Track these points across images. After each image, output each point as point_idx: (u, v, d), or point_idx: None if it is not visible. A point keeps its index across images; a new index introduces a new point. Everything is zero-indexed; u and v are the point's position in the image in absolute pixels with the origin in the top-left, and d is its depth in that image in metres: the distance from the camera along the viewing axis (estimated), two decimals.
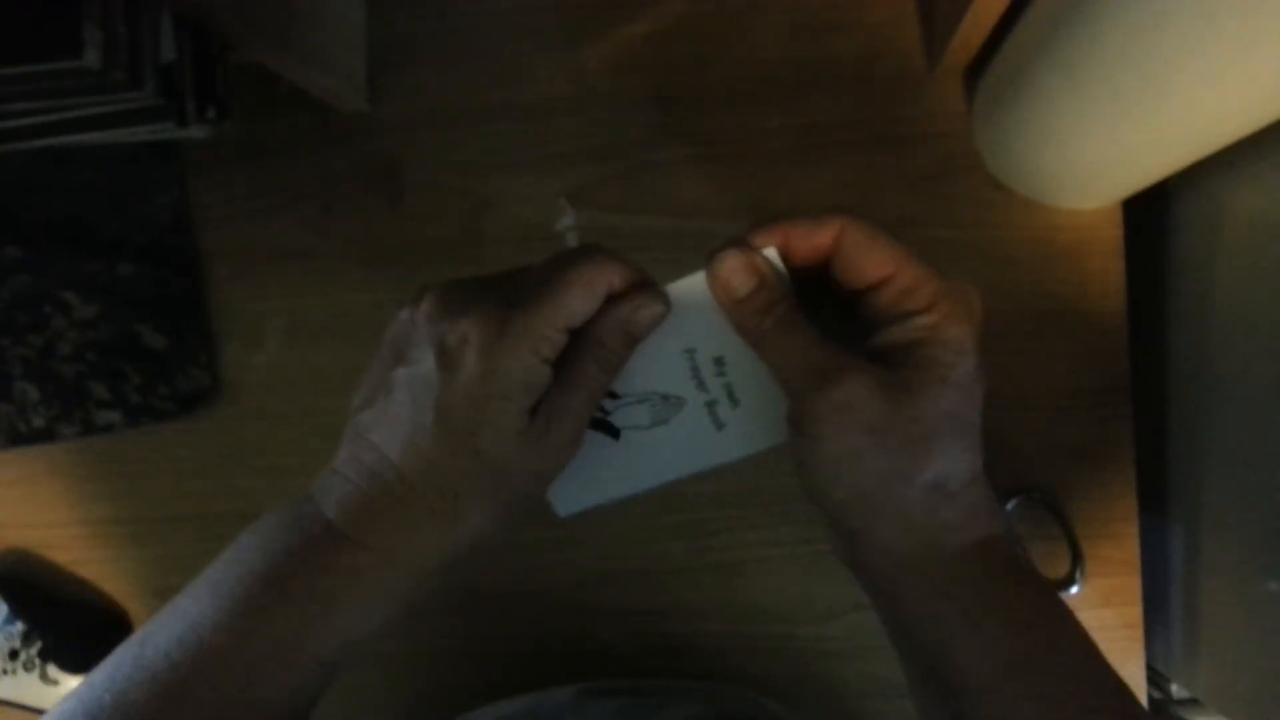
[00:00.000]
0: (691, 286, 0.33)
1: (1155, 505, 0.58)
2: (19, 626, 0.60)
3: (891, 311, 0.31)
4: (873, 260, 0.31)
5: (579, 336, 0.32)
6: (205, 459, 0.60)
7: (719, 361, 0.34)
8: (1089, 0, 0.41)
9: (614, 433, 0.35)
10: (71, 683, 0.59)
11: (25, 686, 0.59)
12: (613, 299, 0.33)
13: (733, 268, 0.32)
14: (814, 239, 0.32)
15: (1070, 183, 0.53)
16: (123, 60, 0.45)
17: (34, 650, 0.59)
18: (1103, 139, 0.47)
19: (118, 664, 0.31)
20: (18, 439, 0.60)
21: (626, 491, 0.36)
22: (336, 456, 0.34)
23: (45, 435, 0.60)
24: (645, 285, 0.33)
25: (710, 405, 0.34)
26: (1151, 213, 0.57)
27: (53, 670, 0.59)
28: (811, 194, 0.57)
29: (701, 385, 0.34)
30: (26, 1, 0.42)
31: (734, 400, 0.34)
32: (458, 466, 0.31)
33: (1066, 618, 0.32)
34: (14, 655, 0.60)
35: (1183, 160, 0.48)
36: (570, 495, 0.36)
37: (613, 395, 0.35)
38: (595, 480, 0.35)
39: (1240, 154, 0.45)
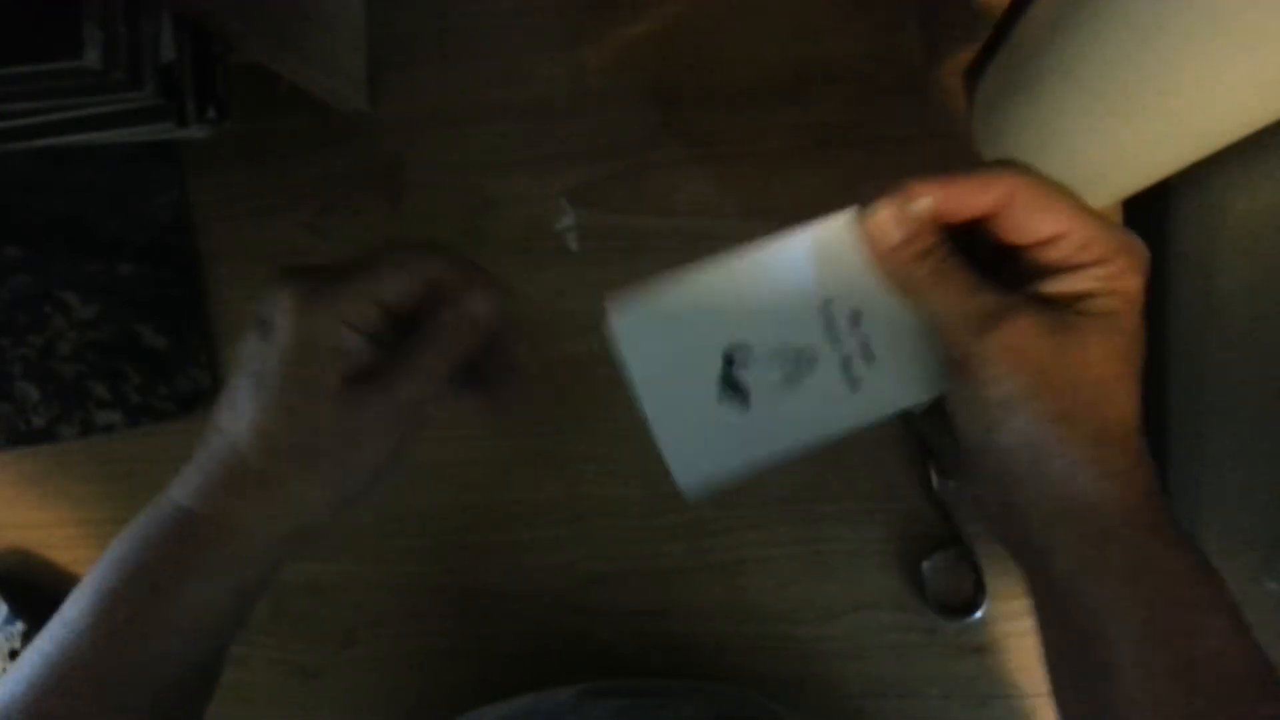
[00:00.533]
0: (829, 234, 0.32)
1: None
2: (19, 626, 0.60)
3: (1064, 265, 0.30)
4: (1047, 220, 0.30)
5: (419, 327, 0.34)
6: None
7: (856, 316, 0.32)
8: (1089, 1, 0.41)
9: (743, 395, 0.33)
10: None
11: None
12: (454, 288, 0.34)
13: (885, 218, 0.31)
14: (978, 201, 0.30)
15: (1070, 183, 0.53)
16: (123, 60, 0.45)
17: None
18: (1103, 139, 0.47)
19: (9, 671, 0.34)
20: (18, 439, 0.60)
21: (755, 463, 0.33)
22: None
23: (45, 435, 0.60)
24: (483, 280, 0.35)
25: (845, 363, 0.33)
26: (1151, 213, 0.57)
27: None
28: (811, 194, 0.57)
29: (836, 340, 0.32)
30: (27, 1, 0.42)
31: (869, 357, 0.32)
32: (277, 431, 0.33)
33: (1222, 589, 0.30)
34: (14, 655, 0.59)
35: (1183, 160, 0.47)
36: (698, 469, 0.33)
37: (741, 348, 0.33)
38: (723, 452, 0.33)
39: (1241, 154, 0.45)
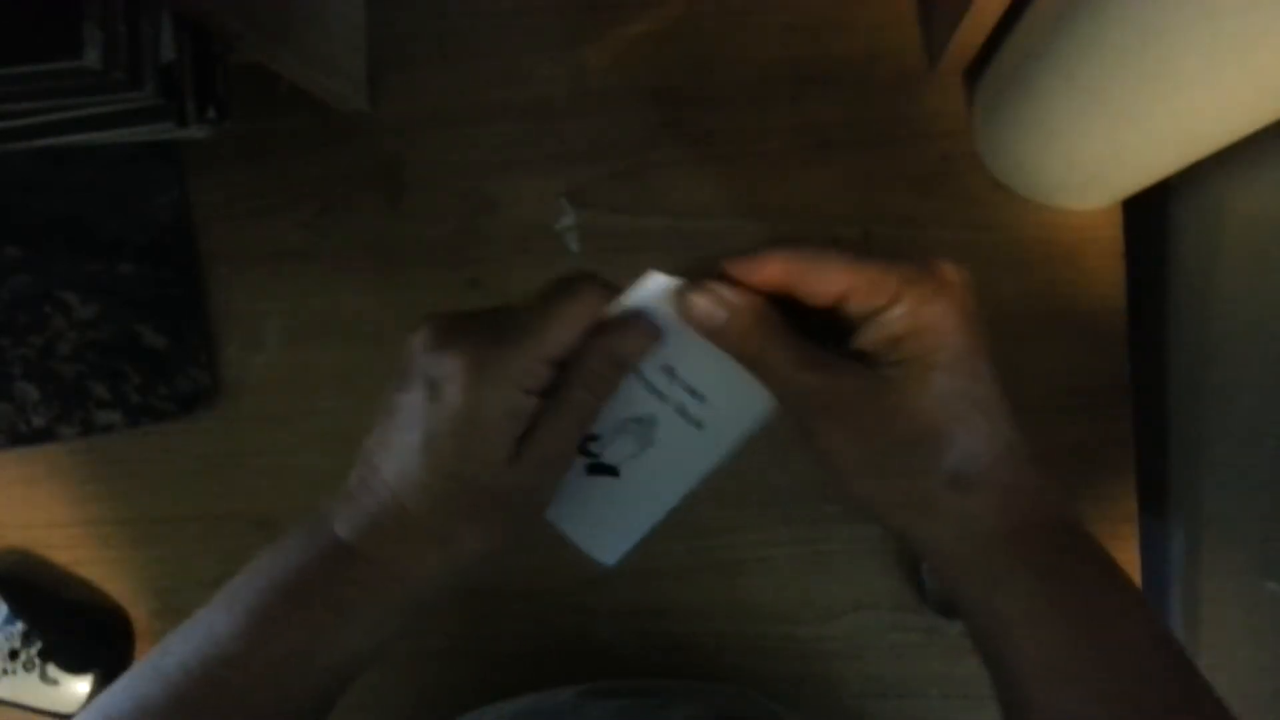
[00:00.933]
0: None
1: (1155, 506, 0.58)
2: (19, 626, 0.60)
3: (864, 314, 0.31)
4: (824, 282, 0.31)
5: (568, 365, 0.33)
6: (205, 459, 0.61)
7: (668, 370, 0.35)
8: (1089, 1, 0.41)
9: (613, 471, 0.36)
10: (71, 683, 0.59)
11: (25, 686, 0.60)
12: (601, 327, 0.33)
13: (706, 304, 0.32)
14: (758, 276, 0.32)
15: (1070, 183, 0.54)
16: (123, 60, 0.45)
17: (34, 650, 0.59)
18: (1103, 139, 0.47)
19: (138, 674, 0.33)
20: (18, 439, 0.60)
21: (652, 520, 0.36)
22: (349, 476, 0.35)
23: (45, 435, 0.60)
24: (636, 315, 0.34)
25: (680, 410, 0.35)
26: (1151, 213, 0.57)
27: (52, 670, 0.59)
28: (811, 194, 0.57)
29: (662, 396, 0.35)
30: (27, 1, 0.42)
31: (699, 397, 0.35)
32: (448, 492, 0.32)
33: (1134, 603, 0.31)
34: (14, 655, 0.60)
35: (1183, 160, 0.48)
36: (608, 544, 0.37)
37: (592, 439, 0.36)
38: (621, 522, 0.36)
39: (1240, 154, 0.45)
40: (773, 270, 0.31)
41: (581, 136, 0.58)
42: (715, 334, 0.32)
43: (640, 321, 0.34)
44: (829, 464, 0.32)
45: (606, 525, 0.37)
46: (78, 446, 0.61)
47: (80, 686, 0.59)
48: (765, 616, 0.58)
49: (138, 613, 0.62)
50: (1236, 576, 0.51)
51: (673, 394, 0.35)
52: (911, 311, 0.30)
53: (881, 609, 0.57)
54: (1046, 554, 0.31)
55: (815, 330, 0.32)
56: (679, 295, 0.33)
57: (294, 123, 0.60)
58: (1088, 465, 0.56)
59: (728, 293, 0.32)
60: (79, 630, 0.60)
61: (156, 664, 0.32)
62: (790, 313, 0.32)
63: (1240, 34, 0.36)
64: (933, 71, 0.56)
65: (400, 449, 0.32)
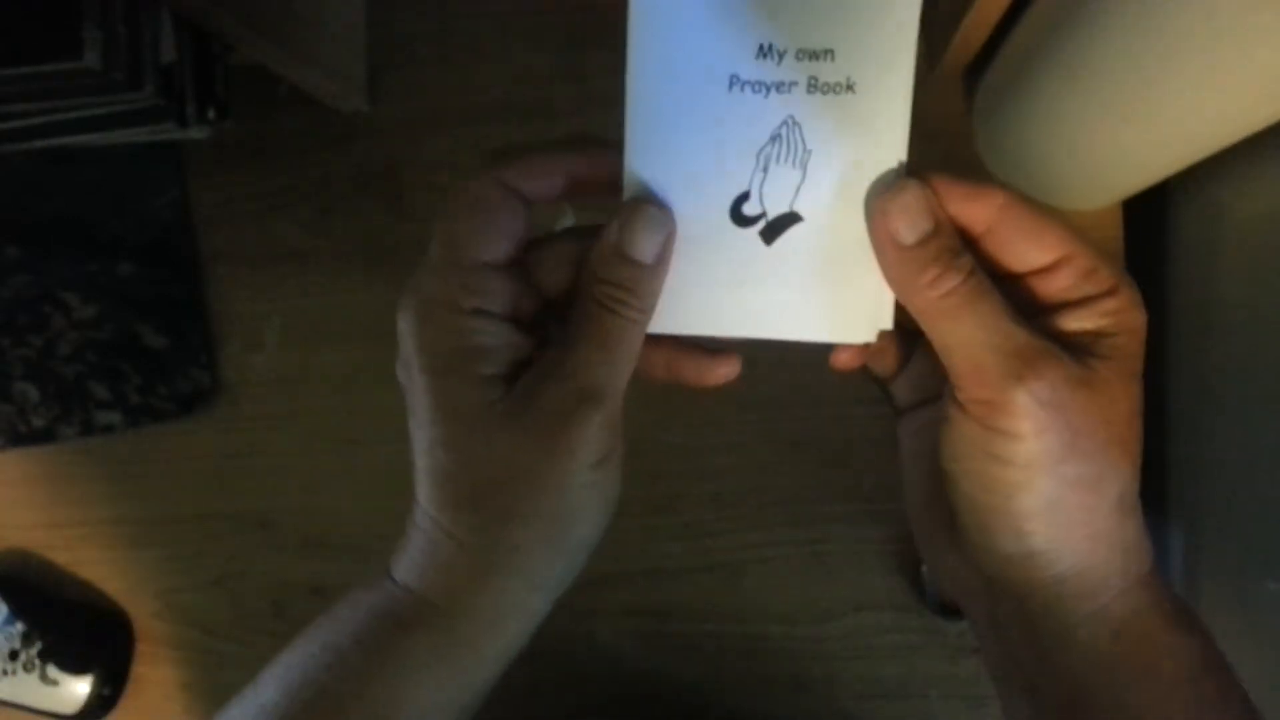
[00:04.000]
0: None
1: (1155, 505, 0.58)
2: (19, 627, 0.60)
3: (1068, 298, 0.27)
4: (1044, 242, 0.26)
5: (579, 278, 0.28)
6: (205, 459, 0.61)
7: (766, 49, 0.26)
8: (1088, 4, 0.41)
9: (796, 218, 0.27)
10: (71, 683, 0.59)
11: (25, 687, 0.59)
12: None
13: (913, 201, 0.26)
14: (971, 208, 0.27)
15: (1071, 183, 0.54)
16: (123, 61, 0.45)
17: (34, 651, 0.59)
18: (1103, 140, 0.48)
19: None
20: (18, 439, 0.61)
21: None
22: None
23: (45, 436, 0.60)
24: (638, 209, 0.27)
25: (814, 85, 0.26)
26: (1152, 213, 0.57)
27: (52, 671, 0.59)
28: None
29: (782, 86, 0.27)
30: (27, 2, 0.43)
31: (825, 55, 0.26)
32: (455, 472, 0.28)
33: (1228, 667, 0.28)
34: (14, 656, 0.60)
35: (1183, 161, 0.48)
36: (868, 311, 0.28)
37: (743, 199, 0.27)
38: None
39: (1240, 154, 0.45)
40: (992, 205, 0.26)
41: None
42: (915, 246, 0.26)
43: (643, 209, 0.27)
44: (994, 447, 0.26)
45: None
46: (78, 447, 0.61)
47: (80, 687, 0.59)
48: (765, 617, 0.58)
49: (138, 613, 0.62)
50: (1237, 576, 0.51)
51: (791, 73, 0.26)
52: (1125, 309, 0.26)
53: (882, 610, 0.57)
54: (1165, 606, 0.28)
55: None
56: (887, 195, 0.26)
57: (294, 123, 0.60)
58: None
59: (936, 202, 0.26)
60: (79, 631, 0.60)
61: None
62: None
63: (1241, 34, 0.36)
64: (933, 72, 0.56)
65: (420, 467, 0.29)
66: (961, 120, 0.57)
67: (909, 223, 0.26)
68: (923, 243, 0.26)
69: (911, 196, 0.26)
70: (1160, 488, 0.58)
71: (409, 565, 0.29)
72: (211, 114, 0.51)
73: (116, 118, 0.49)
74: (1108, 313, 0.26)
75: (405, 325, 0.28)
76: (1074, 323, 0.27)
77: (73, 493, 0.62)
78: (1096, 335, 0.26)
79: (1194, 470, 0.55)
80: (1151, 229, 0.57)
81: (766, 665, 0.58)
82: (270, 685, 0.29)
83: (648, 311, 0.28)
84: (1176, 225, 0.56)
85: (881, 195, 0.27)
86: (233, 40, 0.50)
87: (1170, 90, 0.41)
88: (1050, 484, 0.26)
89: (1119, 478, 0.27)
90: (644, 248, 0.27)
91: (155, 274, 0.60)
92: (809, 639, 0.58)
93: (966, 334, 0.26)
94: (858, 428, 0.57)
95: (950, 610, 0.55)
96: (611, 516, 0.30)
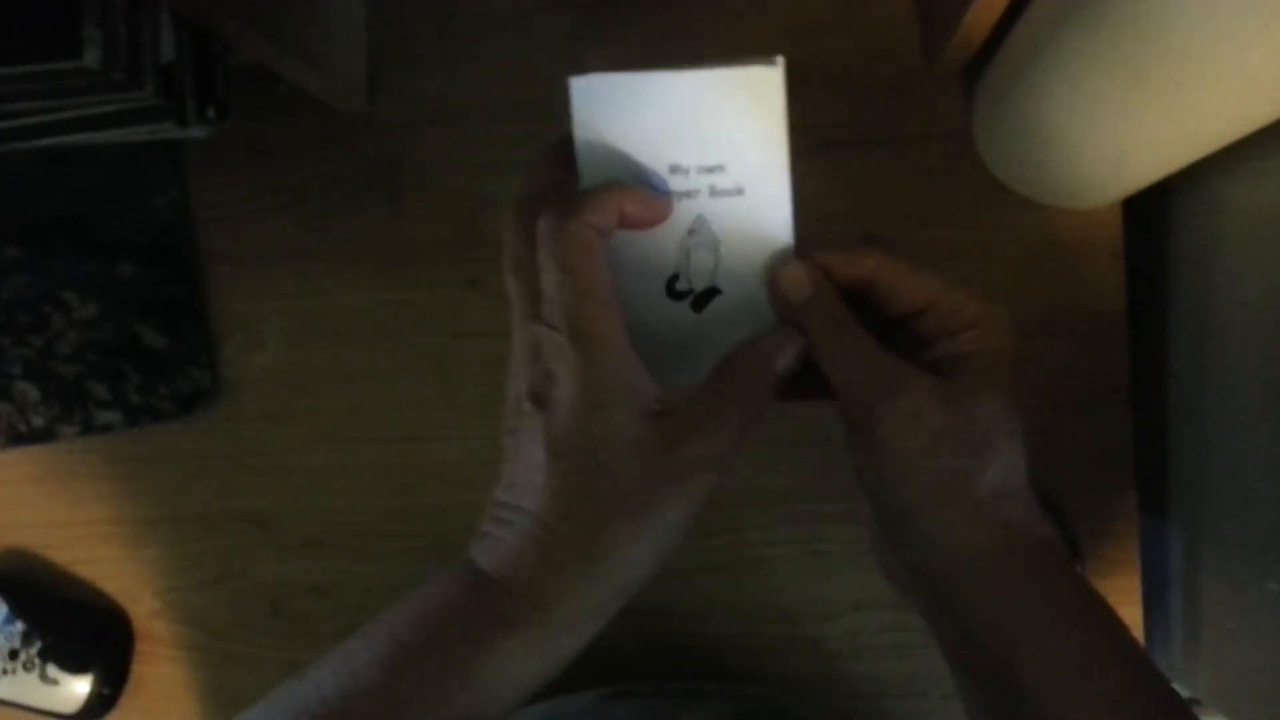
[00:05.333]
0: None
1: (1155, 505, 0.58)
2: (19, 626, 0.60)
3: (938, 331, 0.33)
4: (913, 291, 0.33)
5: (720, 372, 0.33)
6: (205, 459, 0.61)
7: (674, 167, 0.33)
8: (1088, 3, 0.41)
9: (716, 291, 0.35)
10: (71, 682, 0.59)
11: (25, 686, 0.60)
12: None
13: (791, 276, 0.33)
14: (851, 270, 0.33)
15: (1070, 183, 0.54)
16: (123, 60, 0.45)
17: (34, 650, 0.60)
18: (1102, 139, 0.48)
19: (278, 696, 0.32)
20: (18, 439, 0.61)
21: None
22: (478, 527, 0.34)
23: (45, 435, 0.61)
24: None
25: (713, 191, 0.34)
26: (1151, 212, 0.57)
27: (52, 670, 0.59)
28: (811, 194, 0.57)
29: (690, 194, 0.34)
30: (27, 2, 0.43)
31: (717, 169, 0.34)
32: (588, 492, 0.31)
33: (1118, 622, 0.33)
34: (14, 655, 0.60)
35: (1182, 160, 0.48)
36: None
37: (674, 281, 0.34)
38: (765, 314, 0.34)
39: (1240, 153, 0.45)
40: (868, 267, 0.33)
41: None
42: (800, 306, 0.33)
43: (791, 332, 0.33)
44: (877, 454, 0.32)
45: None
46: (77, 446, 0.61)
47: (80, 686, 0.59)
48: (765, 617, 0.58)
49: (137, 612, 0.62)
50: (1237, 576, 0.51)
51: (696, 183, 0.34)
52: (985, 336, 0.33)
53: (881, 608, 0.57)
54: (1053, 570, 0.33)
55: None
56: (777, 271, 0.33)
57: (294, 123, 0.60)
58: (1087, 465, 0.56)
59: (815, 272, 0.33)
60: (79, 630, 0.61)
61: (293, 690, 0.31)
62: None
63: (1240, 34, 0.36)
64: (932, 72, 0.56)
65: (528, 465, 0.31)
66: (961, 120, 0.57)
67: (793, 290, 0.33)
68: (805, 303, 0.33)
69: (792, 271, 0.33)
70: (1160, 488, 0.58)
71: (498, 556, 0.32)
72: (211, 113, 0.51)
73: (116, 117, 0.49)
74: (968, 341, 0.33)
75: (563, 367, 0.31)
76: (941, 351, 0.33)
77: (73, 492, 0.62)
78: (959, 358, 0.33)
79: (1194, 470, 0.55)
80: (1152, 228, 0.57)
81: (767, 664, 0.58)
82: (360, 640, 0.32)
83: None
84: (1176, 224, 0.56)
85: (773, 270, 0.34)
86: (232, 40, 0.50)
87: (1170, 91, 0.41)
88: (925, 477, 0.32)
89: (988, 468, 0.32)
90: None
91: (155, 274, 0.60)
92: (809, 638, 0.58)
93: (845, 367, 0.33)
94: None
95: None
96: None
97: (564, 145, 0.33)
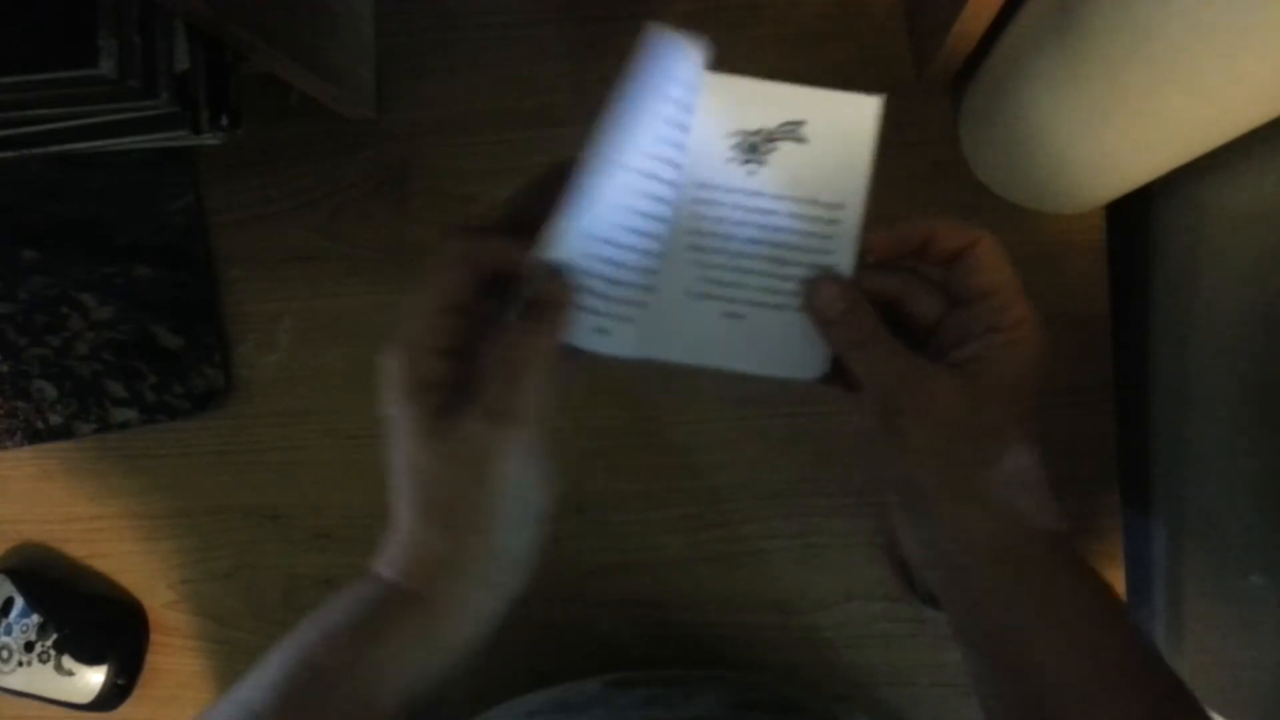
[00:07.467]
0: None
1: (1138, 501, 0.59)
2: (35, 619, 0.60)
3: (981, 325, 0.35)
4: (991, 271, 0.35)
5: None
6: (218, 455, 0.61)
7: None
8: (1073, 13, 0.42)
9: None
10: (86, 674, 0.60)
11: (41, 677, 0.60)
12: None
13: (831, 295, 0.36)
14: (958, 239, 0.35)
15: (1055, 187, 0.54)
16: (138, 69, 0.46)
17: (49, 642, 0.60)
18: (1087, 145, 0.48)
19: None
20: (36, 436, 0.61)
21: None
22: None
23: (63, 432, 0.61)
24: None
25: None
26: (1134, 216, 0.57)
27: (68, 661, 0.60)
28: None
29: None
30: (44, 11, 0.43)
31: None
32: (426, 498, 0.34)
33: (1126, 612, 0.35)
34: (30, 647, 0.60)
35: (1165, 166, 0.48)
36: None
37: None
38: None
39: (1222, 158, 0.45)
40: (972, 238, 0.35)
41: (583, 144, 0.59)
42: (835, 320, 0.36)
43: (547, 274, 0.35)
44: (900, 443, 0.34)
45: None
46: (94, 443, 0.62)
47: (95, 677, 0.60)
48: (759, 607, 0.59)
49: (152, 604, 0.63)
50: (1220, 570, 0.52)
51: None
52: (1017, 343, 0.35)
53: (872, 599, 0.58)
54: (1066, 560, 0.35)
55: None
56: (811, 290, 0.36)
57: (304, 130, 0.61)
58: (1072, 462, 0.57)
59: (851, 290, 0.36)
60: (94, 622, 0.61)
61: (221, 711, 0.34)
62: None
63: (1221, 42, 0.36)
64: (920, 81, 0.57)
65: (393, 486, 0.35)
66: (948, 128, 0.58)
67: (828, 305, 0.36)
68: (841, 315, 0.35)
69: (830, 289, 0.36)
70: (1144, 484, 0.58)
71: (390, 561, 0.35)
72: (224, 121, 0.52)
73: (132, 124, 0.50)
74: (1002, 344, 0.34)
75: (382, 362, 0.34)
76: (971, 351, 0.35)
77: (89, 487, 0.63)
78: (972, 360, 0.34)
79: (1176, 467, 0.56)
80: (1134, 231, 0.58)
81: (760, 654, 0.59)
82: (273, 664, 0.34)
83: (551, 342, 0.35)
84: (1159, 227, 0.56)
85: (810, 284, 0.36)
86: (245, 50, 0.51)
87: (1153, 96, 0.41)
88: (941, 464, 0.34)
89: (999, 459, 0.34)
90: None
91: (170, 276, 0.61)
92: (802, 628, 0.58)
93: (872, 367, 0.35)
94: (847, 426, 0.57)
95: (939, 600, 0.56)
96: (542, 529, 0.37)
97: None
